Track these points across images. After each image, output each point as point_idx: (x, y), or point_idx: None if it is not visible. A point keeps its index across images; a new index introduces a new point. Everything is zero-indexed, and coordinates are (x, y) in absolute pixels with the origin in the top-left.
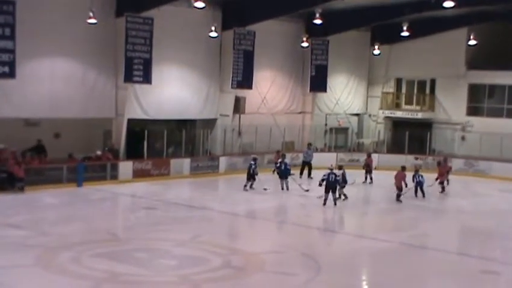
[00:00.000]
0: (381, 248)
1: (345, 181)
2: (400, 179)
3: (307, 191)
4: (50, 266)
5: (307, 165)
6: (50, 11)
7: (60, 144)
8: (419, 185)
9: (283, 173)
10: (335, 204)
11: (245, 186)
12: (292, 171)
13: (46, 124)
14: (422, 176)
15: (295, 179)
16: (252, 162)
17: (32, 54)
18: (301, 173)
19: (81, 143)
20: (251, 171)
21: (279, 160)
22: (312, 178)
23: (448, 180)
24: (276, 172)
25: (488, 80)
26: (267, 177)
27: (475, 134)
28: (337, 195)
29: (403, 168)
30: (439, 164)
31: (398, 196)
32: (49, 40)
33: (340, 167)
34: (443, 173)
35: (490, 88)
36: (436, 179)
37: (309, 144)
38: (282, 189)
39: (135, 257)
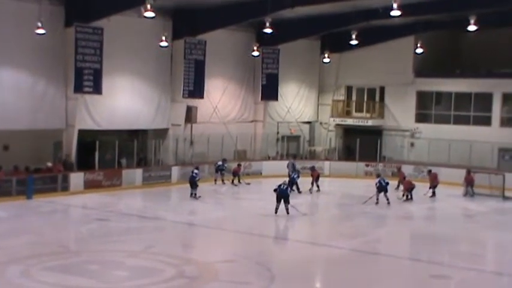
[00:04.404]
0: (334, 255)
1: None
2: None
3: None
4: None
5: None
6: None
7: (9, 156)
8: (382, 190)
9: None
10: (287, 213)
11: (192, 194)
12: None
13: None
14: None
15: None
16: (196, 171)
17: None
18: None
19: (31, 155)
20: (194, 180)
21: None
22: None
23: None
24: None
25: (435, 87)
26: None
27: (424, 140)
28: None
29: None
30: (429, 172)
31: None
32: None
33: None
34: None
35: (437, 95)
36: (430, 187)
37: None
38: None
39: (87, 269)
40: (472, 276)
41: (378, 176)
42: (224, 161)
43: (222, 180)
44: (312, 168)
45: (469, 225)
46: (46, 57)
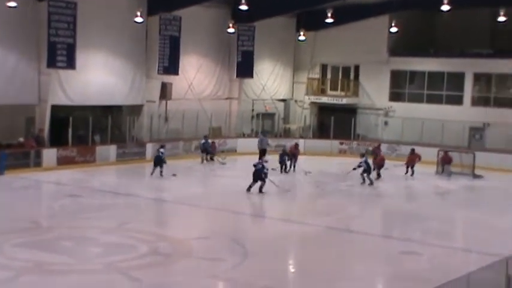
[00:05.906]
0: (307, 232)
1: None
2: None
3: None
4: None
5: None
6: None
7: None
8: (368, 170)
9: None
10: (260, 191)
11: (153, 172)
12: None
13: None
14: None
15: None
16: (162, 150)
17: None
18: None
19: (3, 130)
20: (160, 158)
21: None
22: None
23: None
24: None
25: (409, 66)
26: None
27: (397, 119)
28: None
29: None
30: (413, 151)
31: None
32: None
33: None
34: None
35: (411, 74)
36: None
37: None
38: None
39: (60, 245)
40: (441, 253)
41: (363, 155)
42: (206, 137)
43: (209, 158)
44: (295, 146)
45: (439, 202)
46: (18, 31)
